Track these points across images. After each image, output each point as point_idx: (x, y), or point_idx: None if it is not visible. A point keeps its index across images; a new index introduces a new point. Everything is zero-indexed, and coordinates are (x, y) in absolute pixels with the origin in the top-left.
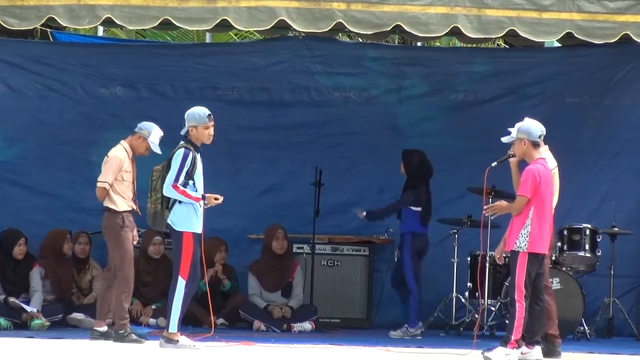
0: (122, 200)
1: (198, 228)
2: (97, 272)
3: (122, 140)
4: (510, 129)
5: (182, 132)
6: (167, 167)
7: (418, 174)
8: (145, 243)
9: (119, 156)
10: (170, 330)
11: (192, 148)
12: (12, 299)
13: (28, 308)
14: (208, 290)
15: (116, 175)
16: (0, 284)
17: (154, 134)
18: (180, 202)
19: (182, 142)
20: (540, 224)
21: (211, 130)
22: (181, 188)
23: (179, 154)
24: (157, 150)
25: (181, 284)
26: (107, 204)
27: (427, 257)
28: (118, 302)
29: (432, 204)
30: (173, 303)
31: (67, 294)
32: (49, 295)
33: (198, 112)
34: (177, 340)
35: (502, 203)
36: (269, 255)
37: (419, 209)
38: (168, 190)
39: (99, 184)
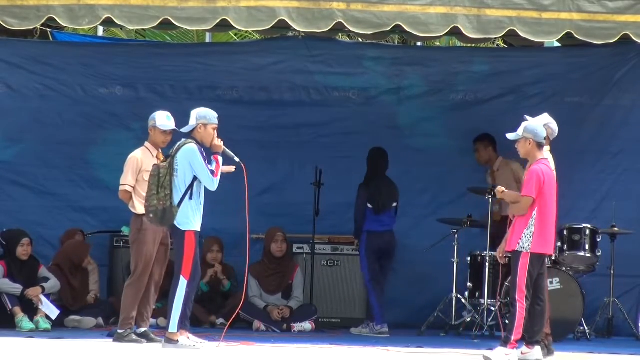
0: (141, 203)
1: (199, 226)
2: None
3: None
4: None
5: (187, 130)
6: (172, 164)
7: (369, 170)
8: None
9: (136, 156)
10: (170, 330)
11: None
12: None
13: (51, 311)
14: (201, 293)
15: (136, 176)
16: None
17: (158, 119)
18: (190, 198)
19: (186, 140)
20: (544, 224)
21: (215, 133)
22: (213, 169)
23: (193, 150)
24: (172, 126)
25: (183, 283)
26: (130, 206)
27: (428, 257)
28: (126, 302)
29: (391, 198)
30: (174, 303)
31: (82, 303)
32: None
33: (211, 112)
34: (177, 340)
35: (512, 192)
36: (269, 257)
37: (370, 207)
38: (215, 183)
39: (120, 187)
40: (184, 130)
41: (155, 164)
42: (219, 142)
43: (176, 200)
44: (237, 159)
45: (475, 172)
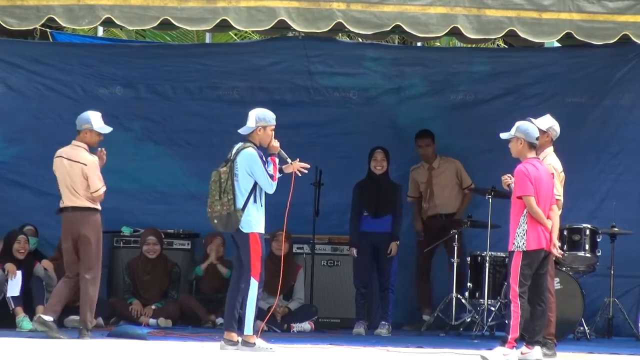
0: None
1: (263, 227)
2: None
3: (75, 142)
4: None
5: (246, 132)
6: (232, 168)
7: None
8: (141, 243)
9: (93, 159)
10: (246, 333)
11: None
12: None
13: (14, 290)
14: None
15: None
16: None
17: (95, 121)
18: (255, 201)
19: (244, 144)
20: (535, 221)
21: (272, 134)
22: (272, 173)
23: (253, 155)
24: (107, 130)
25: (254, 285)
26: (96, 205)
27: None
28: (94, 301)
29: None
30: (247, 305)
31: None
32: None
33: (269, 113)
34: (254, 343)
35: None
36: (271, 258)
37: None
38: (273, 186)
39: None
40: (243, 131)
41: (215, 170)
42: (276, 144)
43: (239, 204)
44: (290, 161)
45: (475, 172)
